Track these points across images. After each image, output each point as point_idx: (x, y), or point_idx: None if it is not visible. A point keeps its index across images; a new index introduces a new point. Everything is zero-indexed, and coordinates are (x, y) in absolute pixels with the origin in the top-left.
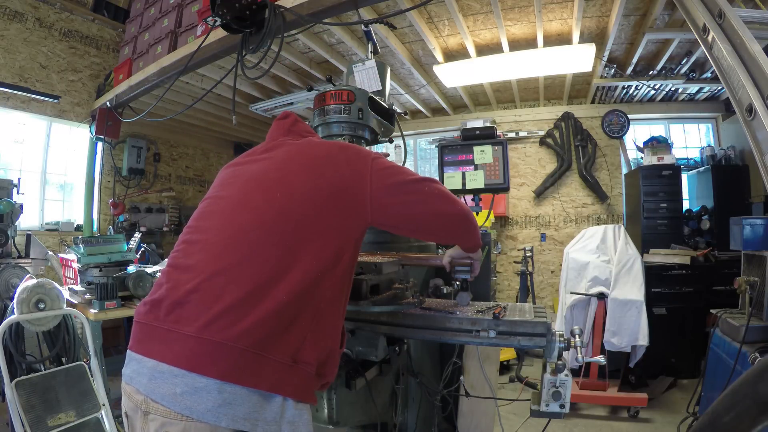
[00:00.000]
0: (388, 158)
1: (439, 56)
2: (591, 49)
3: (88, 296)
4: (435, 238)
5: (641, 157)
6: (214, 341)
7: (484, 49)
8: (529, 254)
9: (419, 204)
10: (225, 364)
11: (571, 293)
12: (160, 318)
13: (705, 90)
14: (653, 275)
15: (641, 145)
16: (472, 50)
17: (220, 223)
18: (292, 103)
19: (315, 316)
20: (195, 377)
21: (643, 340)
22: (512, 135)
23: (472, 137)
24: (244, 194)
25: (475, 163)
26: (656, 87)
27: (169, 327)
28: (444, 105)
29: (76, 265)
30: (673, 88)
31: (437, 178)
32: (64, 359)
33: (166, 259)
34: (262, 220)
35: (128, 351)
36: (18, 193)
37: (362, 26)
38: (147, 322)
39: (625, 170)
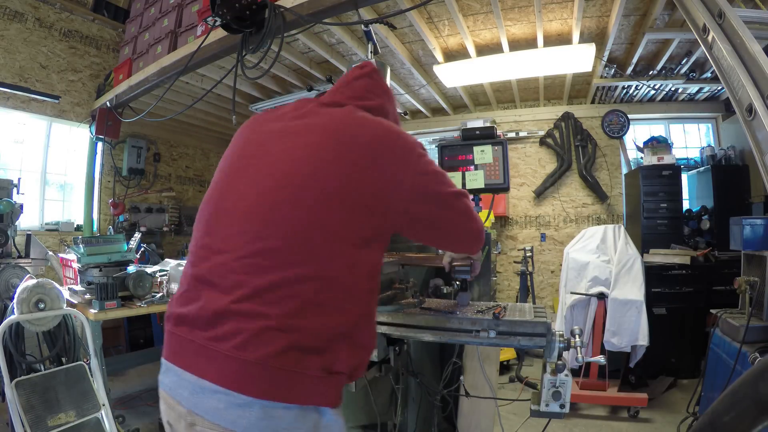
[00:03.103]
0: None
1: (439, 56)
2: (591, 49)
3: (88, 296)
4: (446, 249)
5: (641, 157)
6: (250, 361)
7: (484, 49)
8: (529, 254)
9: (449, 222)
10: (264, 384)
11: (571, 293)
12: (194, 332)
13: (705, 90)
14: (653, 275)
15: (641, 145)
16: (472, 50)
17: (242, 231)
18: None
19: (349, 329)
20: (236, 395)
21: (643, 340)
22: (512, 135)
23: (472, 137)
24: (270, 193)
25: (475, 163)
26: (656, 87)
27: (204, 343)
28: (444, 105)
29: (76, 265)
30: (673, 88)
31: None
32: (64, 359)
33: (166, 260)
34: (293, 231)
35: (163, 360)
36: (18, 193)
37: (362, 26)
38: (182, 335)
39: (625, 170)
